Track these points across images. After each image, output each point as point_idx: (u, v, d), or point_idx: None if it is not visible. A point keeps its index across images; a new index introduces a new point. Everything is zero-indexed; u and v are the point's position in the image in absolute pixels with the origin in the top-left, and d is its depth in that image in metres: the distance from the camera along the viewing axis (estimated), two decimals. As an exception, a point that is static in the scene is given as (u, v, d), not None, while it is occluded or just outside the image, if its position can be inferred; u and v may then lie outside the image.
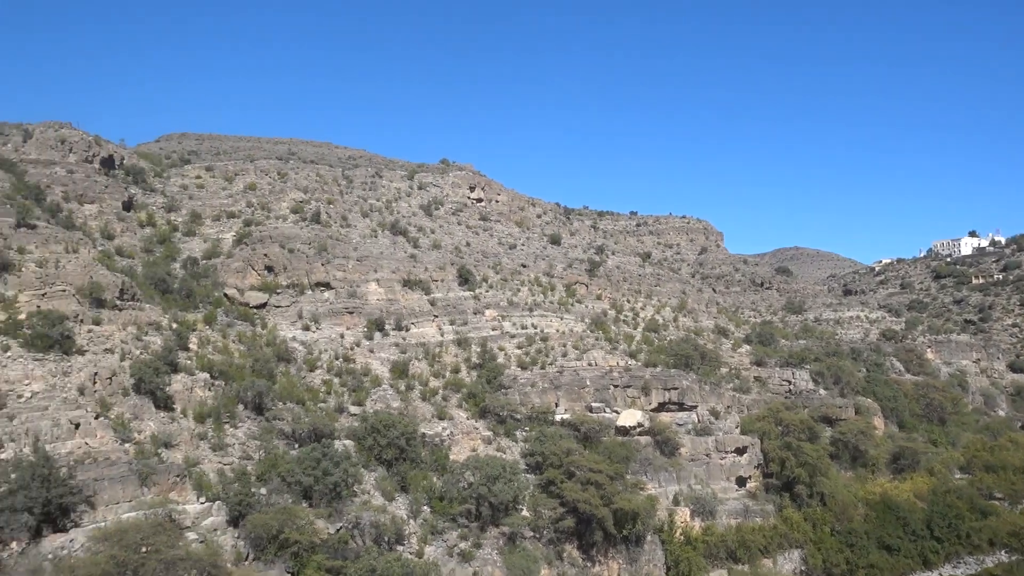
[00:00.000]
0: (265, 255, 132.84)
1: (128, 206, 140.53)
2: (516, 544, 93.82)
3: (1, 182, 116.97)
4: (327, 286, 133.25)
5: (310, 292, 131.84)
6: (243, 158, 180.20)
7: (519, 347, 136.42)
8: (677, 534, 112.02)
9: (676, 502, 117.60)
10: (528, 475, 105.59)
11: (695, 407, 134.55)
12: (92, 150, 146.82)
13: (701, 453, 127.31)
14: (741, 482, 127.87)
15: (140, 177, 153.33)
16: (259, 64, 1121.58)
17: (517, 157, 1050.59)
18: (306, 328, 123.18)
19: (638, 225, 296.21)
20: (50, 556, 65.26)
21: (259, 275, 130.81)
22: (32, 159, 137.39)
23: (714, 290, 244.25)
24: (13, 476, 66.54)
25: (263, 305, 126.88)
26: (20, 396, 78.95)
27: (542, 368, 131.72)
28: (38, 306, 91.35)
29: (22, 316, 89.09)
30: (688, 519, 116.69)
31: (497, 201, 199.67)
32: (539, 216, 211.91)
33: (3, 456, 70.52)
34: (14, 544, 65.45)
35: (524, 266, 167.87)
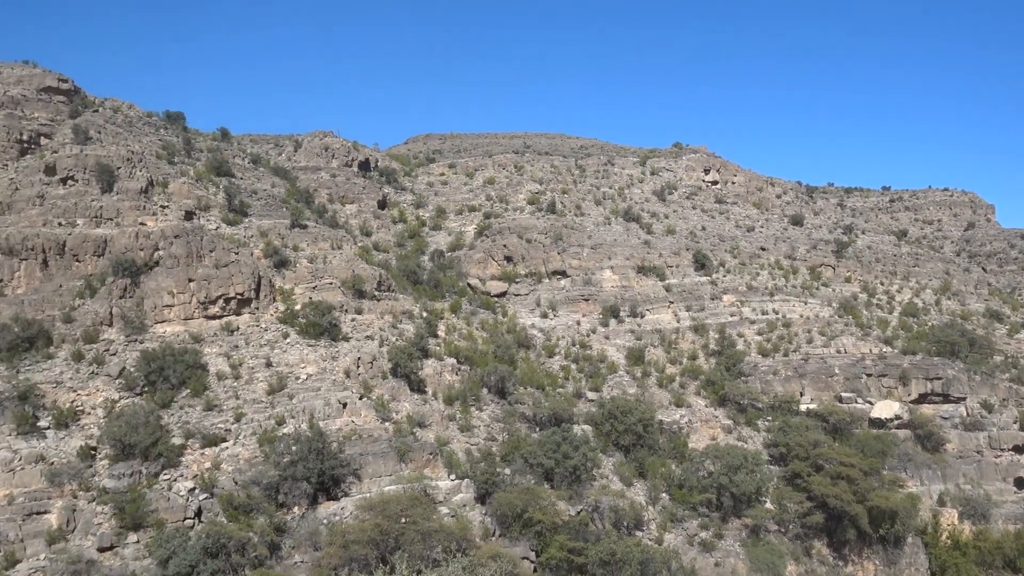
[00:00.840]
0: (504, 246, 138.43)
1: (382, 204, 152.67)
2: (760, 537, 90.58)
3: (278, 188, 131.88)
4: (563, 274, 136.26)
5: (547, 280, 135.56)
6: (482, 154, 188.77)
7: (759, 333, 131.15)
8: (943, 537, 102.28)
9: (941, 502, 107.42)
10: (771, 466, 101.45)
11: (963, 399, 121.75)
12: (351, 155, 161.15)
13: (971, 450, 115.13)
14: (1020, 483, 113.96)
15: (392, 177, 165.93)
16: (493, 65, 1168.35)
17: (754, 137, 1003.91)
18: (544, 315, 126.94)
19: (892, 201, 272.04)
20: (324, 521, 72.91)
21: (499, 265, 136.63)
22: (302, 166, 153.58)
23: (984, 269, 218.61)
24: (294, 448, 75.07)
25: (503, 294, 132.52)
26: (297, 378, 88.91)
27: (785, 355, 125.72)
28: (310, 297, 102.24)
29: (298, 307, 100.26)
30: (956, 521, 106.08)
31: (733, 183, 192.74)
32: (779, 196, 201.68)
33: (285, 431, 79.80)
34: (296, 509, 73.91)
35: (763, 249, 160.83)
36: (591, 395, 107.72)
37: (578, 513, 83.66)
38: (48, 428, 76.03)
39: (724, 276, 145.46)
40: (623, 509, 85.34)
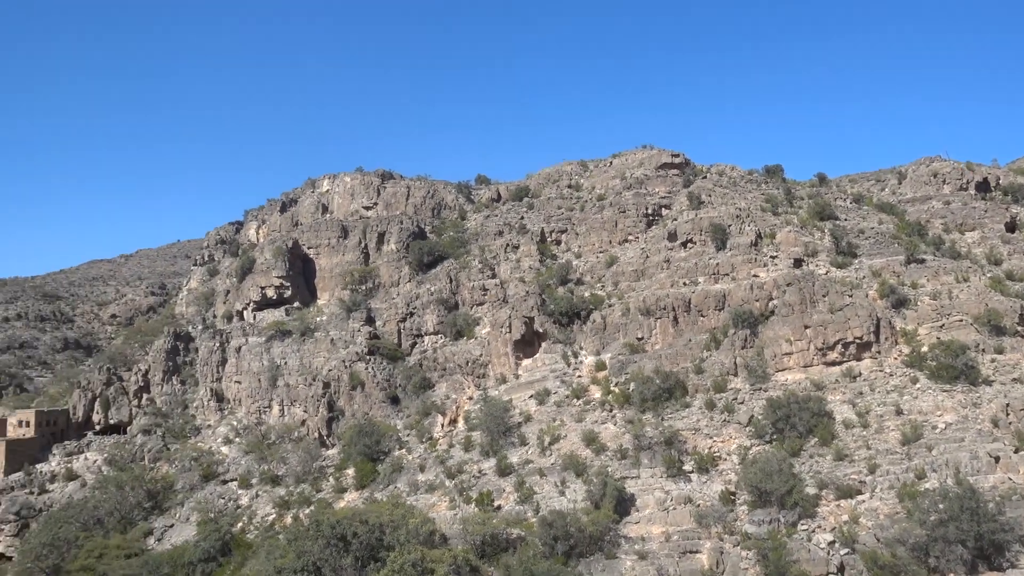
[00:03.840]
0: None
1: (1011, 227, 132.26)
2: None
3: (885, 224, 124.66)
4: None
5: None
6: None
7: None
8: None
9: None
10: None
11: None
12: (965, 177, 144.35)
13: None
14: None
15: (1020, 195, 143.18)
16: None
17: None
18: None
19: None
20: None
21: None
22: (909, 198, 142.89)
23: None
24: (941, 507, 67.50)
25: None
26: (934, 427, 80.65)
27: None
28: (937, 337, 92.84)
29: (924, 348, 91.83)
30: None
31: None
32: None
33: (927, 485, 72.52)
34: None
35: None
36: None
37: None
38: (692, 472, 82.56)
39: None
40: None
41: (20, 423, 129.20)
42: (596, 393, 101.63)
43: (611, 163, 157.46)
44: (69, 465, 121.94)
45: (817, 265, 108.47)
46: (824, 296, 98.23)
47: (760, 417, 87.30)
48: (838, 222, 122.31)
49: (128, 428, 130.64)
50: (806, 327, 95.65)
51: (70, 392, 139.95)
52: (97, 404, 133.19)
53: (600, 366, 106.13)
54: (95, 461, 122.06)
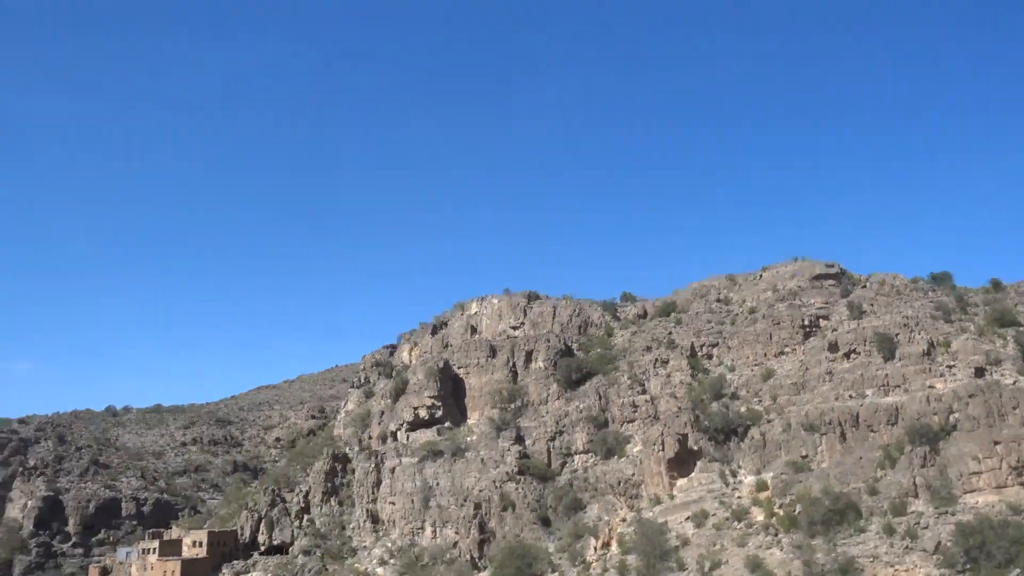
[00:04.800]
0: None
1: None
2: None
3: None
4: None
5: None
6: None
7: None
8: None
9: None
10: None
11: None
12: None
13: None
14: None
15: None
16: None
17: None
18: None
19: None
20: None
21: None
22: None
23: None
24: None
25: None
26: None
27: None
28: None
29: None
30: None
31: None
32: None
33: None
34: None
35: None
36: None
37: None
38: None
39: None
40: None
41: (194, 543, 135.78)
42: (758, 515, 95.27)
43: (761, 276, 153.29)
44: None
45: (1002, 374, 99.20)
46: (1015, 408, 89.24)
47: (949, 544, 78.51)
48: (1021, 328, 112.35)
49: (290, 548, 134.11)
50: (996, 443, 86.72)
51: (238, 513, 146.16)
52: (262, 525, 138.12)
53: (762, 486, 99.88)
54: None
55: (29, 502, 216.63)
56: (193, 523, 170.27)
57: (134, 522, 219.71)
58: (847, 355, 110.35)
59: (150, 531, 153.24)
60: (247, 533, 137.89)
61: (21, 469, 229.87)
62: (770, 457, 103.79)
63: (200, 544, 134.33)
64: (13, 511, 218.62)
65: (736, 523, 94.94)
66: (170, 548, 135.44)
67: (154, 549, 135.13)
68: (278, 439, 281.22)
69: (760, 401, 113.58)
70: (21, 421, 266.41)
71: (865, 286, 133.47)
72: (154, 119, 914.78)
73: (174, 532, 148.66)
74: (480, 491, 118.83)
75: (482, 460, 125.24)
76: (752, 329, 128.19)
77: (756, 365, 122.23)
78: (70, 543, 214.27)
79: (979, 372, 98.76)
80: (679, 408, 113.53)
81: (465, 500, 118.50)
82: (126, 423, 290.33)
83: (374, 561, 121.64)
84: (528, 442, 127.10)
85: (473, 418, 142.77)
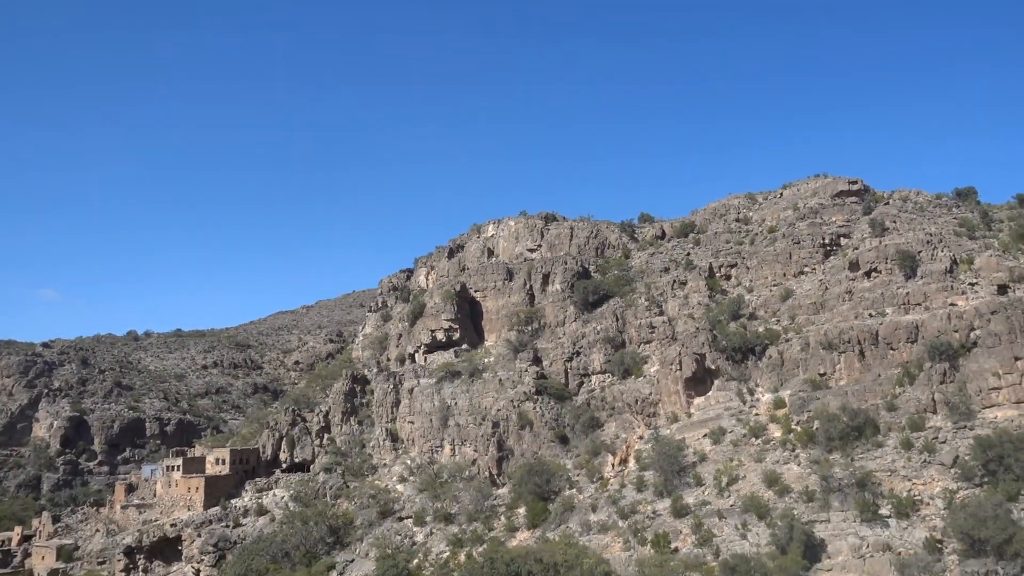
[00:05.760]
0: None
1: None
2: None
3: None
4: None
5: None
6: None
7: None
8: None
9: None
10: None
11: None
12: None
13: None
14: None
15: None
16: None
17: None
18: None
19: None
20: None
21: None
22: None
23: None
24: None
25: None
26: None
27: None
28: None
29: None
30: None
31: None
32: None
33: None
34: None
35: None
36: None
37: None
38: (890, 516, 75.52)
39: None
40: None
41: (217, 461, 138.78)
42: (776, 432, 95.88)
43: (781, 194, 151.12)
44: (260, 500, 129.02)
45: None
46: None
47: (967, 458, 78.79)
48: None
49: (311, 466, 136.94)
50: (1016, 359, 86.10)
51: (260, 433, 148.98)
52: (284, 444, 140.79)
53: (779, 403, 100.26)
54: (282, 497, 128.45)
55: (55, 422, 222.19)
56: (215, 442, 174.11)
57: (158, 441, 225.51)
58: (868, 274, 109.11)
59: (174, 449, 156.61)
60: (269, 451, 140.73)
61: (46, 391, 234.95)
62: (788, 375, 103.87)
63: (223, 462, 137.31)
64: (40, 431, 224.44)
65: (753, 439, 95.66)
66: (194, 465, 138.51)
67: (178, 466, 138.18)
68: (297, 362, 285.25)
69: (778, 321, 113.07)
70: (45, 345, 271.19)
71: (888, 203, 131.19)
72: (178, 41, 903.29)
73: (197, 450, 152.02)
74: (498, 410, 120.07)
75: (500, 380, 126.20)
76: (771, 249, 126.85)
77: (775, 285, 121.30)
78: (96, 461, 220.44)
79: (1002, 289, 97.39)
80: (697, 329, 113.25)
81: (483, 419, 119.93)
82: (147, 347, 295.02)
83: (394, 478, 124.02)
84: (545, 363, 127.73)
85: (490, 340, 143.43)
